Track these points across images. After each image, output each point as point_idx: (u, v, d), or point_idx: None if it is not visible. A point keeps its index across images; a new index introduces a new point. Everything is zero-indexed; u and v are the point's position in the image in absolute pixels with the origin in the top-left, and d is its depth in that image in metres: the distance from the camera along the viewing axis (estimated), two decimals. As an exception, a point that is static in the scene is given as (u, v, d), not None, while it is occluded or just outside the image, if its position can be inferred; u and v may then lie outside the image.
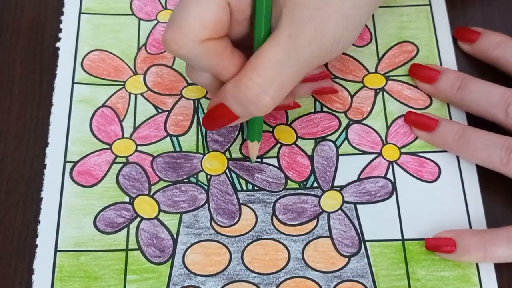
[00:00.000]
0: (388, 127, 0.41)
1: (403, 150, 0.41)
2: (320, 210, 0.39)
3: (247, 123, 0.38)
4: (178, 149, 0.40)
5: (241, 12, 0.33)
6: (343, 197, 0.39)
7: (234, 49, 0.34)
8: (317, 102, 0.42)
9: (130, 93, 0.42)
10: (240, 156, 0.40)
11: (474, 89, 0.40)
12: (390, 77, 0.43)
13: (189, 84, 0.43)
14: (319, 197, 0.39)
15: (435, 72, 0.41)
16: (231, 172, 0.40)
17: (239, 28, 0.34)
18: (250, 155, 0.40)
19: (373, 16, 0.45)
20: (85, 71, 0.43)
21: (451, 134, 0.39)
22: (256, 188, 0.39)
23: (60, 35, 0.44)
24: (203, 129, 0.41)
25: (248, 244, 0.38)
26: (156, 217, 0.38)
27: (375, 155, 0.40)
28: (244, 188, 0.39)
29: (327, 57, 0.34)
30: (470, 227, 0.38)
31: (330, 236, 0.38)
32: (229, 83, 0.34)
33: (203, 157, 0.40)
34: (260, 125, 0.38)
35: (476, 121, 0.41)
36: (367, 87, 0.43)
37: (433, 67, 0.42)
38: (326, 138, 0.41)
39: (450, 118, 0.42)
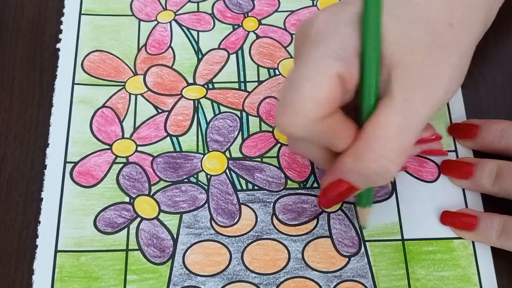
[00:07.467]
0: (388, 127, 0.41)
1: (403, 150, 0.41)
2: (320, 210, 0.39)
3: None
4: (178, 149, 0.40)
5: (351, 81, 0.31)
6: (343, 197, 0.39)
7: (346, 117, 0.32)
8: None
9: (130, 94, 0.42)
10: (240, 155, 0.40)
11: (508, 175, 0.37)
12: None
13: (189, 84, 0.43)
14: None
15: (469, 165, 0.39)
16: (231, 172, 0.40)
17: (347, 96, 0.32)
18: (361, 221, 0.38)
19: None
20: (85, 71, 0.43)
21: (493, 231, 0.37)
22: (256, 187, 0.39)
23: (60, 36, 0.44)
24: (203, 129, 0.41)
25: (248, 244, 0.38)
26: (156, 217, 0.38)
27: (375, 155, 0.40)
28: (244, 187, 0.39)
29: (438, 112, 0.33)
30: (470, 227, 0.38)
31: (330, 236, 0.38)
32: (346, 158, 0.32)
33: (203, 157, 0.40)
34: (371, 191, 0.36)
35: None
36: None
37: (466, 160, 0.39)
38: (326, 138, 0.41)
39: (450, 117, 0.41)
